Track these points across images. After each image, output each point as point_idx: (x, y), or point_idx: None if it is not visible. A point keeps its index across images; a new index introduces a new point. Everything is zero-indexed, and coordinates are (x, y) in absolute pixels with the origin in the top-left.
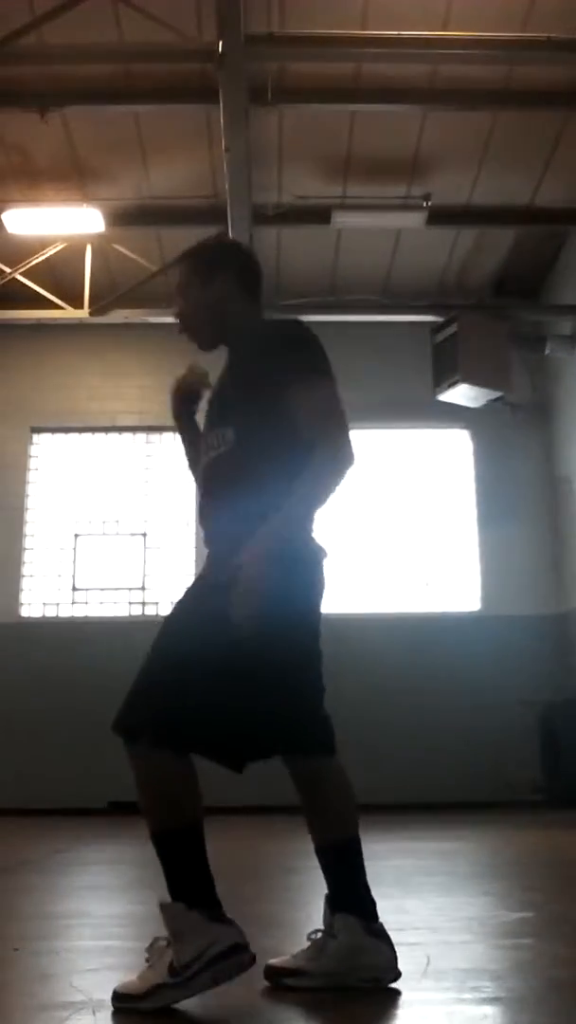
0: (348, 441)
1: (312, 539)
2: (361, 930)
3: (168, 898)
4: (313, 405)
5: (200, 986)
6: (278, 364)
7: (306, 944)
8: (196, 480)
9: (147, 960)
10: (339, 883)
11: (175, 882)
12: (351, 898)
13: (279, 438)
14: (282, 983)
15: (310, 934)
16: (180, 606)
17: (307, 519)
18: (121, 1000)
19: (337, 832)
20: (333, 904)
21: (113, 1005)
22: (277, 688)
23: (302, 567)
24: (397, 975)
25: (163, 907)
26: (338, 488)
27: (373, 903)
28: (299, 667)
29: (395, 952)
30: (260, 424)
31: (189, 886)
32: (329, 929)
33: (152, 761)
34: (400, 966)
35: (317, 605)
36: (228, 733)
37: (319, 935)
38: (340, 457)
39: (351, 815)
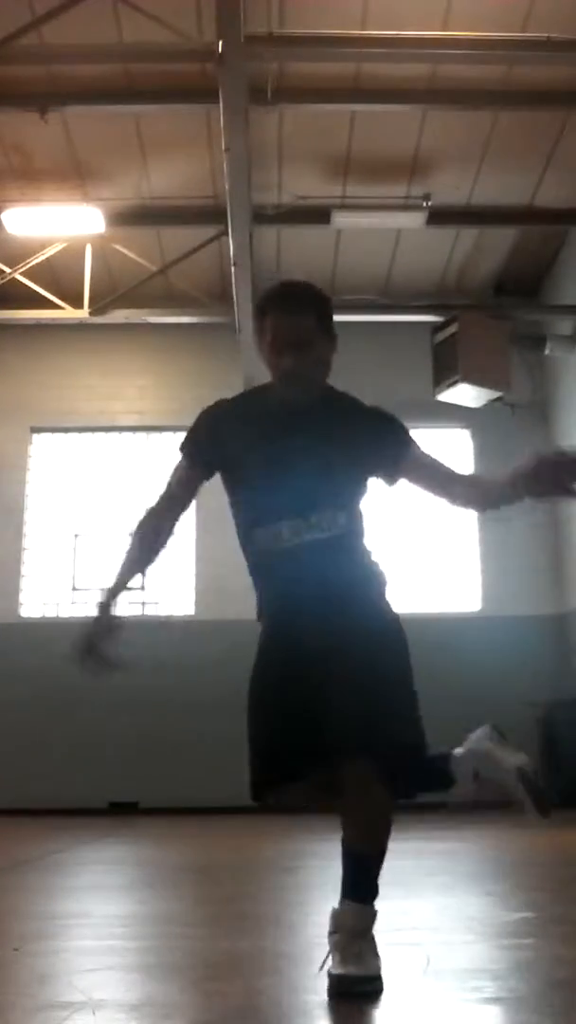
0: None
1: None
2: None
3: (354, 903)
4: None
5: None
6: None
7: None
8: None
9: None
10: None
11: (371, 889)
12: None
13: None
14: None
15: None
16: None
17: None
18: (360, 983)
19: None
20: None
21: (356, 985)
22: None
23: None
24: None
25: (365, 912)
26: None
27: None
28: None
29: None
30: (361, 508)
31: (375, 890)
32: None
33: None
34: (400, 966)
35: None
36: None
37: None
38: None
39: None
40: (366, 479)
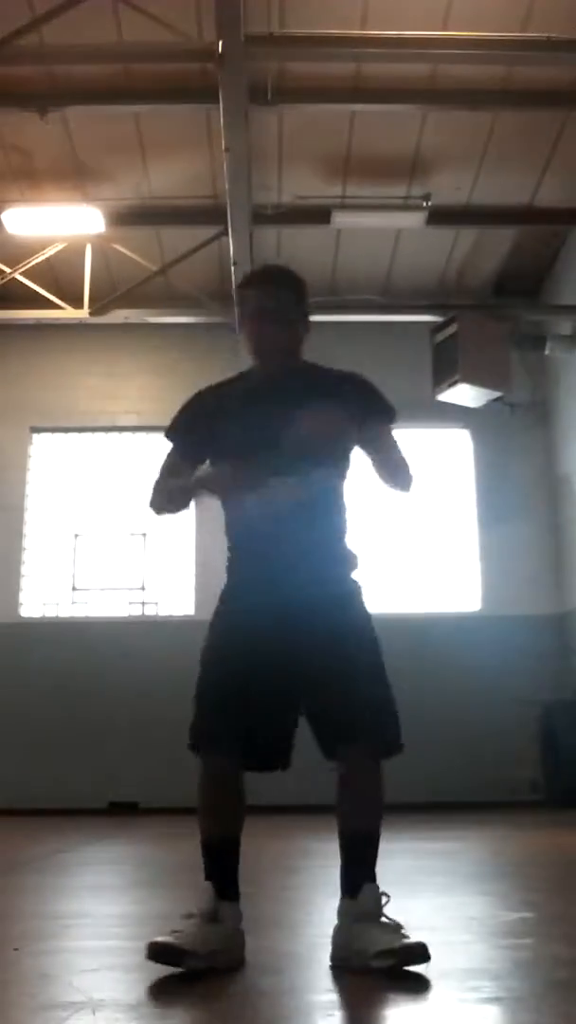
0: None
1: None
2: None
3: (371, 882)
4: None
5: None
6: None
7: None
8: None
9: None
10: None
11: (373, 867)
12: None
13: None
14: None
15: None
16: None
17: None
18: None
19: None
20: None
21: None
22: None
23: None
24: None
25: (371, 888)
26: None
27: None
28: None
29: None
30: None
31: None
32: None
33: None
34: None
35: None
36: None
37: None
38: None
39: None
40: (345, 444)
